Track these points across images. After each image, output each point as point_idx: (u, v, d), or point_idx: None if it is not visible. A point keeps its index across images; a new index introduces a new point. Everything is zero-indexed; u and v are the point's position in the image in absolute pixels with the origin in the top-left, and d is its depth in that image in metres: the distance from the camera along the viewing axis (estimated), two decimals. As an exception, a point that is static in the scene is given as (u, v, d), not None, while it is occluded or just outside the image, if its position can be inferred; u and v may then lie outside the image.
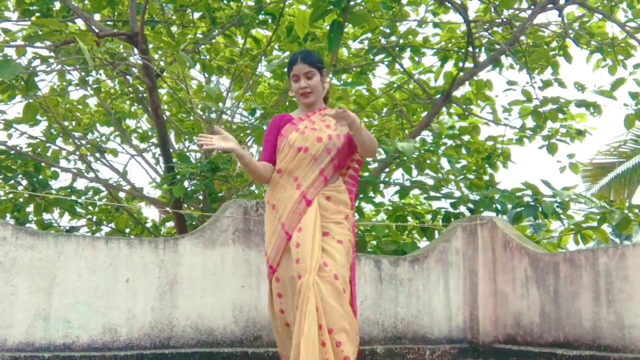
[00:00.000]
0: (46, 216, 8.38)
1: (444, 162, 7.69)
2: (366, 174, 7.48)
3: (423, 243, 7.64)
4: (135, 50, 6.06)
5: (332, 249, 3.60)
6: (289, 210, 3.66)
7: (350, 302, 3.65)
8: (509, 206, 6.79)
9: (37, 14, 6.78)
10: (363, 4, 6.06)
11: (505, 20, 7.78)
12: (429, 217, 8.01)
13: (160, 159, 9.00)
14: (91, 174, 8.91)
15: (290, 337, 3.59)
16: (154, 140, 9.62)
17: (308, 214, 3.63)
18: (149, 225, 9.72)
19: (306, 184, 3.69)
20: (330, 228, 3.66)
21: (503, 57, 8.06)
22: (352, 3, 5.08)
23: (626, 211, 6.39)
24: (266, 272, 3.80)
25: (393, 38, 7.82)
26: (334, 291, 3.51)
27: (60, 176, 8.72)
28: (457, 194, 7.32)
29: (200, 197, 7.65)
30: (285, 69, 4.39)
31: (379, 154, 8.24)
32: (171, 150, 7.77)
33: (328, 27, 7.43)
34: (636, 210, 6.49)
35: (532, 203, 6.55)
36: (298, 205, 3.66)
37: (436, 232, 7.14)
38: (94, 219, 9.11)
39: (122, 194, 9.53)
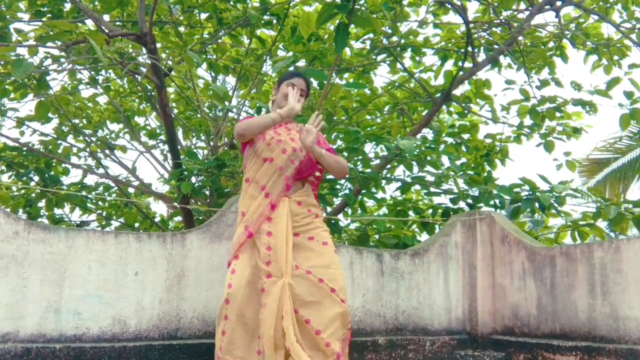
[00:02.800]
0: (57, 211, 8.40)
1: (444, 159, 7.69)
2: (368, 170, 7.48)
3: (423, 237, 7.65)
4: (144, 50, 6.05)
5: (322, 255, 3.74)
6: (256, 215, 3.77)
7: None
8: (507, 202, 6.78)
9: (49, 15, 6.78)
10: (365, 5, 6.05)
11: (503, 21, 7.76)
12: (429, 212, 8.01)
13: (168, 155, 9.02)
14: (101, 170, 8.93)
15: (224, 331, 3.68)
16: (162, 137, 9.63)
17: (279, 219, 3.75)
18: (157, 220, 9.74)
19: (273, 192, 3.81)
20: (305, 231, 3.80)
21: (501, 57, 8.03)
22: (356, 6, 5.06)
23: (622, 207, 6.37)
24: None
25: (394, 38, 7.80)
26: (314, 286, 3.64)
27: (71, 172, 8.76)
28: (457, 190, 7.31)
29: (207, 193, 7.65)
30: (278, 79, 4.43)
31: (381, 150, 8.25)
32: (179, 147, 7.77)
33: (332, 28, 7.45)
34: (630, 205, 6.47)
35: (529, 197, 6.53)
36: (264, 210, 3.78)
37: (436, 226, 7.13)
38: (104, 214, 9.13)
39: (131, 190, 9.54)
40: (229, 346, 3.65)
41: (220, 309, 3.74)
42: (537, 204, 6.47)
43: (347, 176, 4.06)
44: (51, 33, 5.02)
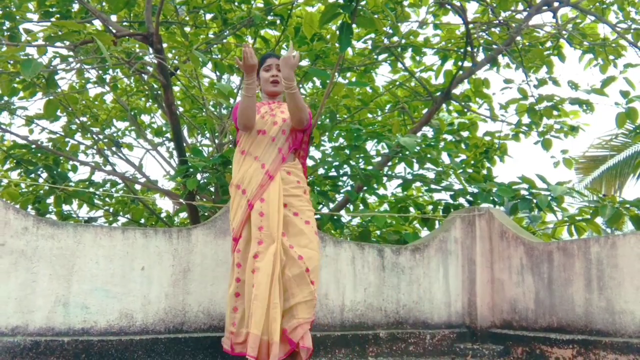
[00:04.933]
0: (66, 207, 8.40)
1: (444, 156, 7.67)
2: (370, 167, 7.47)
3: (424, 233, 7.64)
4: (150, 50, 6.04)
5: (303, 234, 3.82)
6: (253, 185, 3.85)
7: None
8: (506, 199, 6.77)
9: (57, 15, 6.77)
10: (367, 5, 6.04)
11: (502, 21, 7.74)
12: (429, 208, 8.00)
13: (174, 152, 9.00)
14: (108, 167, 8.92)
15: (235, 308, 3.80)
16: (168, 135, 9.62)
17: (272, 186, 3.83)
18: (163, 216, 9.73)
19: (267, 162, 3.89)
20: (293, 204, 3.87)
21: (500, 57, 8.02)
22: (359, 6, 5.04)
23: (617, 206, 6.34)
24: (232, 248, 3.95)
25: (395, 38, 7.79)
26: (295, 265, 3.73)
27: (79, 169, 8.75)
28: (457, 186, 7.30)
29: (212, 189, 7.64)
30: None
31: (382, 148, 8.24)
32: (184, 144, 7.76)
33: (334, 28, 7.43)
34: (627, 205, 6.45)
35: (527, 196, 6.52)
36: (262, 181, 3.84)
37: (436, 222, 7.13)
38: (111, 210, 9.13)
39: (137, 186, 9.54)
40: (243, 321, 3.76)
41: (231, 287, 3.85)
42: (535, 202, 6.46)
43: (303, 125, 3.97)
44: (60, 33, 5.01)
